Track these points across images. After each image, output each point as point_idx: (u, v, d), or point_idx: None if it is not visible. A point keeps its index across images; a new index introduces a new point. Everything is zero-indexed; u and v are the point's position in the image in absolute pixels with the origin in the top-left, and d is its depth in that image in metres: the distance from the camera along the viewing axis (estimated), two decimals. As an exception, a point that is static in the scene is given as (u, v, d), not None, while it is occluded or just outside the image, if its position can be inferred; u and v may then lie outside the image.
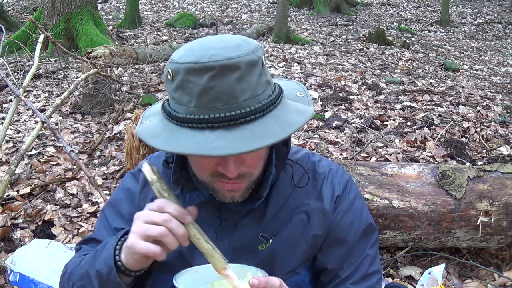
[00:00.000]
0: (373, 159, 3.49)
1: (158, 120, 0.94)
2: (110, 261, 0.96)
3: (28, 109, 4.39)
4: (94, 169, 3.38)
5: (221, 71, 0.83)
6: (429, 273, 2.21)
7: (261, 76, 0.89)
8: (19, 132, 4.01)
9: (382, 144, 3.73)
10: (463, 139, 3.92)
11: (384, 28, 10.18)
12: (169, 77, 0.88)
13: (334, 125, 4.09)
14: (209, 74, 0.83)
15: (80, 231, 2.72)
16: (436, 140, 3.82)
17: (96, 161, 3.56)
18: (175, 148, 0.87)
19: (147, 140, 0.91)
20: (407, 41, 9.01)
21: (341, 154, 3.57)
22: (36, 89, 5.13)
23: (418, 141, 3.83)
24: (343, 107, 4.58)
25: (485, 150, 3.81)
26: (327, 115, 4.32)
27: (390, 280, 2.36)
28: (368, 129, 4.01)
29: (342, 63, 6.63)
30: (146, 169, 0.96)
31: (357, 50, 7.89)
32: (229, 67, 0.83)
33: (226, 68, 0.83)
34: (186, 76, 0.85)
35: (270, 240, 1.09)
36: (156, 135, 0.91)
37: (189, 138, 0.86)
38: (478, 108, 4.82)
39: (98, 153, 3.69)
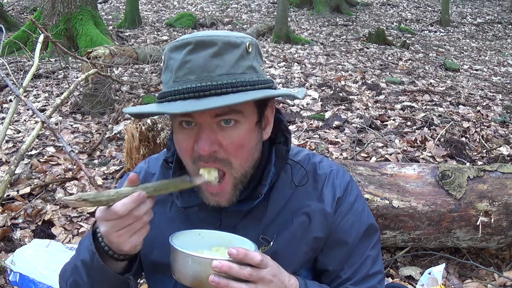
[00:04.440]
0: (373, 159, 3.49)
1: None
2: (90, 246, 0.96)
3: (28, 109, 4.39)
4: (94, 169, 3.38)
5: (197, 46, 0.89)
6: (429, 273, 2.21)
7: (242, 59, 0.91)
8: (19, 132, 4.01)
9: (382, 144, 3.72)
10: (463, 139, 3.91)
11: (384, 28, 10.18)
12: (162, 63, 0.96)
13: (334, 125, 4.09)
14: (187, 49, 0.89)
15: (80, 231, 2.72)
16: (436, 140, 3.82)
17: (96, 161, 3.56)
18: (138, 110, 0.94)
19: (125, 108, 1.02)
20: (407, 41, 9.01)
21: (341, 154, 3.57)
22: (36, 89, 5.13)
23: (418, 141, 3.83)
24: (343, 107, 4.58)
25: (485, 150, 3.81)
26: (327, 115, 4.31)
27: (390, 280, 2.36)
28: (368, 129, 4.01)
29: (342, 63, 6.63)
30: (75, 203, 0.88)
31: (357, 50, 7.88)
32: (205, 43, 0.89)
33: (202, 44, 0.89)
34: (169, 54, 0.92)
35: (271, 243, 1.07)
36: (137, 108, 1.01)
37: (159, 107, 0.92)
38: (478, 108, 4.82)
39: (98, 153, 3.69)
